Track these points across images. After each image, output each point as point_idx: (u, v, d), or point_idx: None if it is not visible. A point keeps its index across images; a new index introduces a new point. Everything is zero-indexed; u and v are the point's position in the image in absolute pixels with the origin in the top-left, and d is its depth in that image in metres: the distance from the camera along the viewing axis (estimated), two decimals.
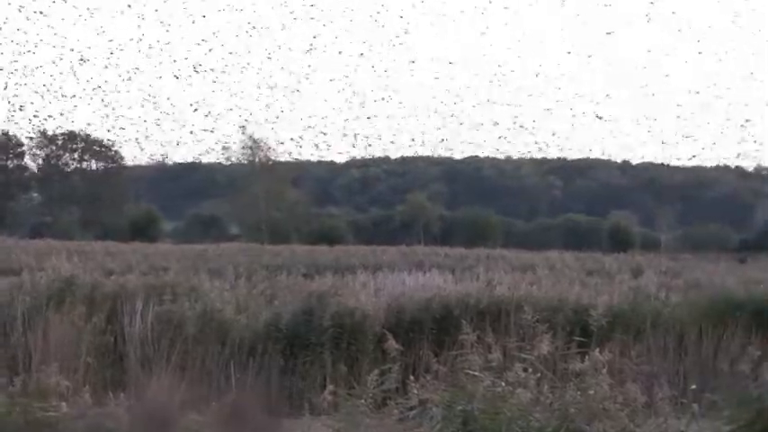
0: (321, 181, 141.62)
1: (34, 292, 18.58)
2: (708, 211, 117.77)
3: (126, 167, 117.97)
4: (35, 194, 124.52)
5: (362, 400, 10.80)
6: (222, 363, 17.67)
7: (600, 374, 10.68)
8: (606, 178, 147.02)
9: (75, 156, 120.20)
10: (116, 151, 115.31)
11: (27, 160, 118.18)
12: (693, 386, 14.13)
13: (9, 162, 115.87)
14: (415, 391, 10.86)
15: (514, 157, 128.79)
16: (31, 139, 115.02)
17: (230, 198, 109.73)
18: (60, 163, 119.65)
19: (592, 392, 10.34)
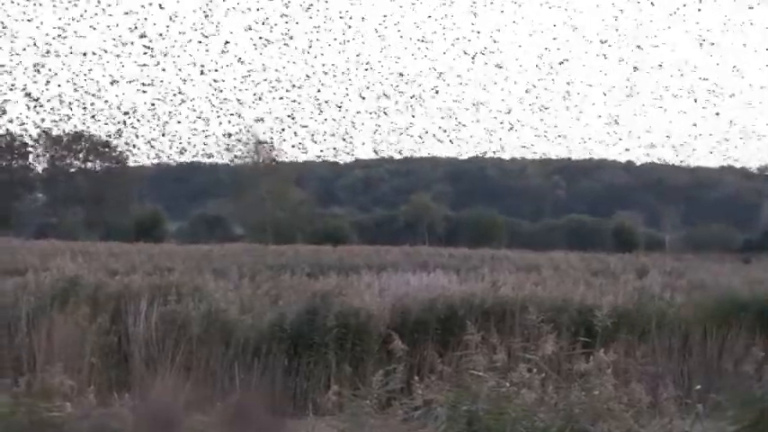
0: (325, 181, 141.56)
1: (38, 292, 18.59)
2: (712, 212, 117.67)
3: (130, 168, 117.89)
4: (40, 195, 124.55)
5: (367, 401, 10.79)
6: (227, 363, 17.68)
7: (604, 375, 10.66)
8: (610, 178, 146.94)
9: (80, 156, 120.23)
10: (120, 152, 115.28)
11: (32, 161, 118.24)
12: (698, 386, 14.10)
13: (14, 162, 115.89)
14: (420, 392, 10.85)
15: (519, 158, 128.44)
16: (36, 139, 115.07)
17: (234, 198, 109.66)
18: (65, 163, 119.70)
19: (596, 393, 10.32)
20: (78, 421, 11.41)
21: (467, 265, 38.50)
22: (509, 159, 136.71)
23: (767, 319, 20.01)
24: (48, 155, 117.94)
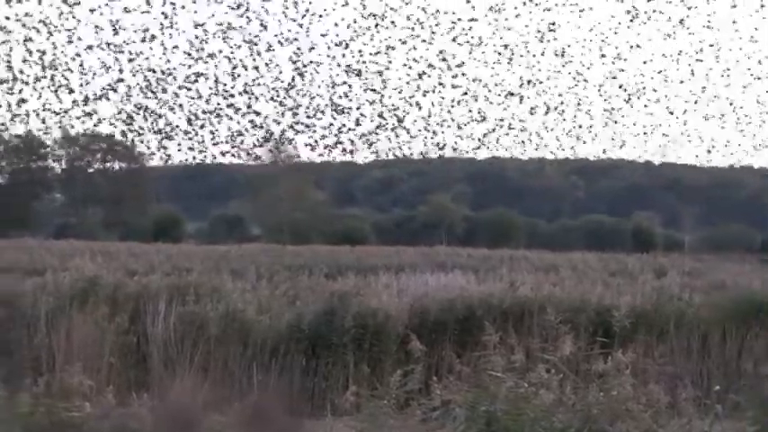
0: (343, 182, 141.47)
1: (58, 292, 18.64)
2: (731, 212, 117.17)
3: (149, 168, 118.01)
4: (58, 195, 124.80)
5: (385, 401, 10.79)
6: (245, 363, 17.70)
7: (623, 375, 10.65)
8: (629, 179, 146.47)
9: (98, 156, 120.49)
10: (139, 152, 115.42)
11: (50, 161, 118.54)
12: (717, 387, 14.05)
13: (32, 163, 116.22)
14: (438, 392, 10.84)
15: (537, 158, 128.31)
16: (55, 139, 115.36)
17: (252, 199, 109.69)
18: (83, 163, 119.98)
19: (615, 393, 10.31)
20: (98, 421, 11.43)
21: (485, 266, 38.39)
22: (527, 159, 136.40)
23: None
24: (66, 155, 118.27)
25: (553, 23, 24.31)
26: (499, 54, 24.50)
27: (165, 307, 18.14)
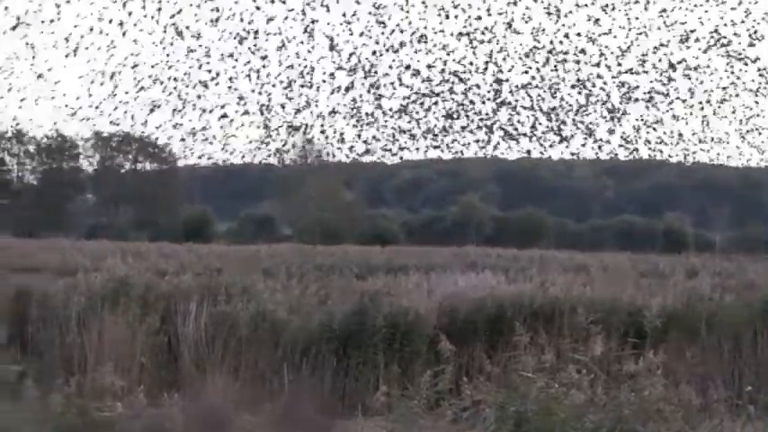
0: (373, 182, 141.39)
1: (89, 292, 18.72)
2: (762, 212, 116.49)
3: (180, 168, 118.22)
4: (90, 195, 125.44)
5: (416, 401, 10.80)
6: (275, 363, 17.71)
7: (654, 376, 10.63)
8: (660, 179, 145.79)
9: (130, 157, 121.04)
10: (170, 152, 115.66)
11: (82, 161, 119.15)
12: (749, 387, 14.03)
13: (64, 163, 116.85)
14: (469, 392, 10.85)
15: (567, 158, 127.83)
16: (86, 140, 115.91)
17: (282, 199, 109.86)
18: (115, 164, 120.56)
19: (646, 394, 10.29)
20: (129, 421, 11.49)
21: (515, 266, 38.24)
22: (557, 160, 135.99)
23: None
24: (98, 156, 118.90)
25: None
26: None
27: (196, 307, 18.18)
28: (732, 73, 25.41)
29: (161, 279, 20.83)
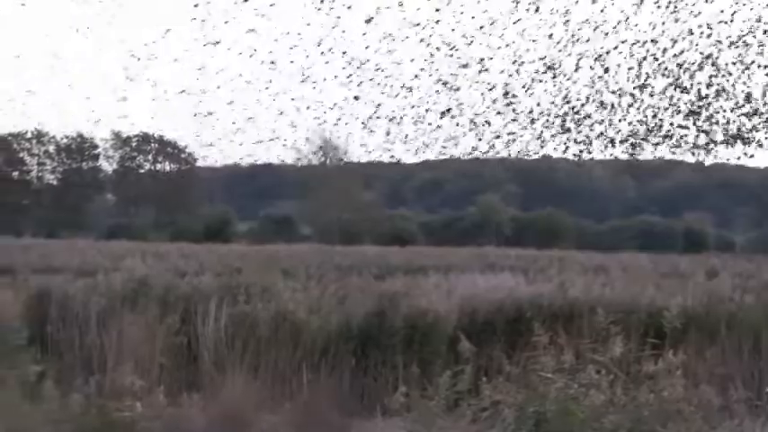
0: (392, 182, 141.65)
1: (109, 292, 18.76)
2: None
3: (199, 168, 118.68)
4: (109, 196, 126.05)
5: (435, 402, 10.81)
6: (295, 363, 17.72)
7: (674, 376, 10.61)
8: (680, 179, 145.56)
9: (149, 157, 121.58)
10: (189, 153, 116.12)
11: (102, 162, 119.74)
12: None
13: (84, 164, 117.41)
14: (488, 393, 10.85)
15: (587, 158, 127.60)
16: (106, 140, 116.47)
17: (302, 199, 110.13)
18: (134, 164, 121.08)
19: (666, 394, 10.27)
20: (149, 421, 11.51)
21: (535, 267, 38.20)
22: (577, 160, 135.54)
23: None
24: (117, 156, 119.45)
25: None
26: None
27: (216, 307, 18.20)
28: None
29: (181, 279, 20.87)
